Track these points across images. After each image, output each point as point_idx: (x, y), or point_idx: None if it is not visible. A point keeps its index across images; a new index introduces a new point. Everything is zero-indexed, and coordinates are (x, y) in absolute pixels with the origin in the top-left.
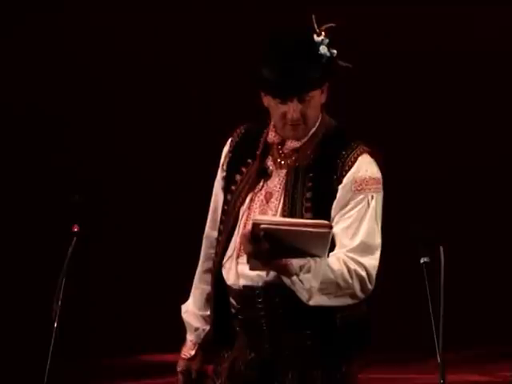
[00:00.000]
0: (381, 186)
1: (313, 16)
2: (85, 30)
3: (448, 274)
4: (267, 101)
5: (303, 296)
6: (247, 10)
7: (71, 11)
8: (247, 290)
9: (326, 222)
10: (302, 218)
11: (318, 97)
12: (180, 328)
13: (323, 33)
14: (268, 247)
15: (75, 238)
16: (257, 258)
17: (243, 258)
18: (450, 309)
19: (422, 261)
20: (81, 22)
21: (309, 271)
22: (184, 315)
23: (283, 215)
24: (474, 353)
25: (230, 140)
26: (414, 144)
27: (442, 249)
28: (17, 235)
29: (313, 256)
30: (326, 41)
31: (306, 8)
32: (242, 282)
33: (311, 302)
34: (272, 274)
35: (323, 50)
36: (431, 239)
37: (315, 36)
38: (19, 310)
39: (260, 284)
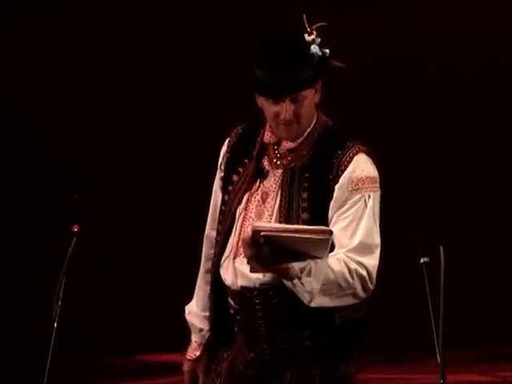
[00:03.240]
0: (378, 184)
1: (304, 16)
2: (85, 30)
3: (448, 274)
4: (261, 101)
5: (305, 298)
6: (248, 10)
7: (71, 11)
8: (245, 290)
9: (326, 228)
10: (298, 218)
11: (310, 96)
12: (180, 328)
13: (314, 32)
14: (268, 252)
15: (75, 238)
16: (257, 262)
17: (240, 259)
18: (449, 309)
19: (421, 261)
20: (81, 22)
21: (310, 273)
22: (188, 316)
23: (279, 215)
24: (473, 353)
25: (227, 140)
26: (412, 143)
27: (442, 249)
28: (17, 235)
29: (313, 258)
30: (318, 40)
31: (302, 8)
32: (240, 283)
33: (313, 304)
34: (270, 274)
35: (314, 49)
36: (431, 239)
37: (306, 35)
38: (19, 310)
39: (258, 285)
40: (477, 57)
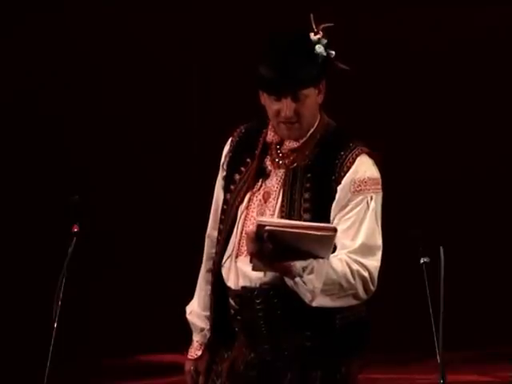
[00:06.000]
0: (380, 186)
1: (311, 15)
2: (84, 30)
3: (448, 274)
4: (264, 99)
5: (306, 297)
6: (249, 9)
7: (71, 11)
8: (246, 290)
9: (330, 225)
10: (300, 218)
11: (313, 96)
12: (180, 328)
13: (321, 32)
14: (271, 248)
15: (75, 238)
16: (260, 259)
17: (242, 258)
18: (449, 309)
19: (421, 261)
20: (81, 22)
21: (312, 272)
22: (189, 316)
23: (281, 215)
24: (473, 353)
25: (230, 140)
26: (412, 143)
27: (442, 249)
28: (17, 235)
29: (315, 257)
30: (324, 41)
31: (307, 7)
32: (241, 283)
33: (314, 303)
34: (271, 274)
35: (319, 49)
36: (431, 239)
37: (312, 35)
38: (19, 310)
39: (259, 285)
40: (479, 58)
